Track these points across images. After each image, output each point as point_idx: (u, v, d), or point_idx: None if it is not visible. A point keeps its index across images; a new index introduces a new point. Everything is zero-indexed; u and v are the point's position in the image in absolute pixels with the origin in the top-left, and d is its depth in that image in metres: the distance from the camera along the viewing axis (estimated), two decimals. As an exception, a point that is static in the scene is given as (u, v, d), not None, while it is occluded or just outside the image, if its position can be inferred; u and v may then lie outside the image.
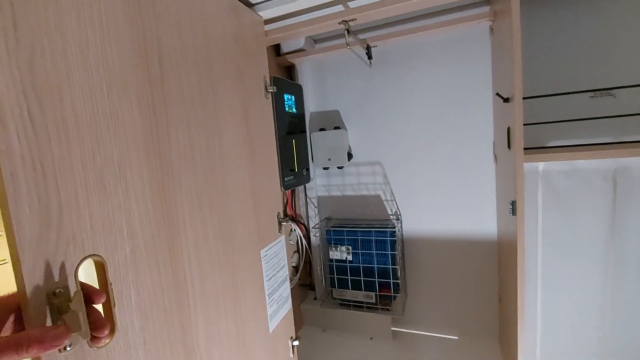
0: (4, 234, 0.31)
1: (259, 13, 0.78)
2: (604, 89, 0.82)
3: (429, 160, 1.05)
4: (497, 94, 0.80)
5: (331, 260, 1.12)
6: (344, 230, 1.08)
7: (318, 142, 1.11)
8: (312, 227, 1.19)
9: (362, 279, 1.08)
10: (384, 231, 1.04)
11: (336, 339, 1.13)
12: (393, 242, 1.03)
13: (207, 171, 0.58)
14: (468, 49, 0.95)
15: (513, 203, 0.71)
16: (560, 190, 0.87)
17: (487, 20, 0.87)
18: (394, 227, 1.05)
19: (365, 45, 0.99)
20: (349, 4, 0.77)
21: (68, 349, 0.33)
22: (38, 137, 0.33)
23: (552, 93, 0.86)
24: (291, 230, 1.16)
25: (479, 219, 1.01)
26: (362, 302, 1.10)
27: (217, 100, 0.62)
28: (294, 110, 0.99)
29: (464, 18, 0.88)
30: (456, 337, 1.08)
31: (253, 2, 0.76)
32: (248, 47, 0.73)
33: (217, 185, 0.60)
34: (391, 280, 1.04)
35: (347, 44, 0.90)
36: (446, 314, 1.10)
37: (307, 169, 1.07)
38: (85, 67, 0.38)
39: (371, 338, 1.11)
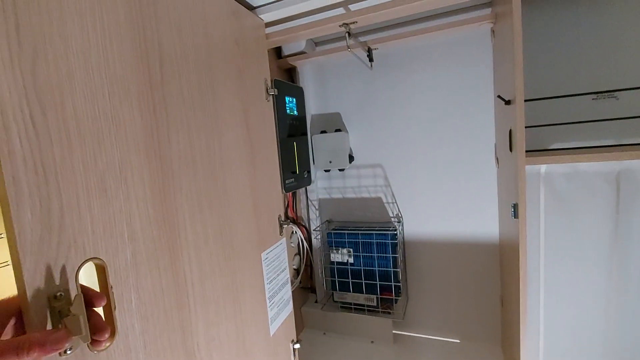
0: (5, 235, 0.31)
1: (260, 16, 0.78)
2: (606, 91, 0.82)
3: (430, 163, 1.05)
4: (499, 96, 0.80)
5: (332, 263, 1.12)
6: (345, 233, 1.08)
7: (319, 145, 1.11)
8: (313, 230, 1.19)
9: (363, 281, 1.08)
10: (385, 234, 1.03)
11: (337, 342, 1.13)
12: (394, 245, 1.03)
13: (208, 173, 0.58)
14: (469, 51, 0.95)
15: (515, 206, 0.71)
16: (563, 192, 0.87)
17: (489, 23, 0.87)
18: (395, 230, 1.05)
19: (366, 48, 0.99)
20: (350, 6, 0.77)
21: (69, 352, 0.33)
22: (40, 140, 0.33)
23: (554, 95, 0.86)
24: (292, 232, 1.16)
25: (480, 222, 1.01)
26: (363, 305, 1.10)
27: (218, 102, 0.62)
28: (295, 112, 0.99)
29: (465, 20, 0.89)
30: (458, 341, 1.08)
31: (254, 5, 0.76)
32: (249, 49, 0.73)
33: (217, 187, 0.60)
34: (392, 283, 1.04)
35: (348, 47, 0.91)
36: (448, 317, 1.09)
37: (308, 172, 1.07)
38: (86, 70, 0.38)
39: (372, 341, 1.10)
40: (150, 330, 0.44)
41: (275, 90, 0.83)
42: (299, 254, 1.20)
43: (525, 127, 0.67)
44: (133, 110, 0.44)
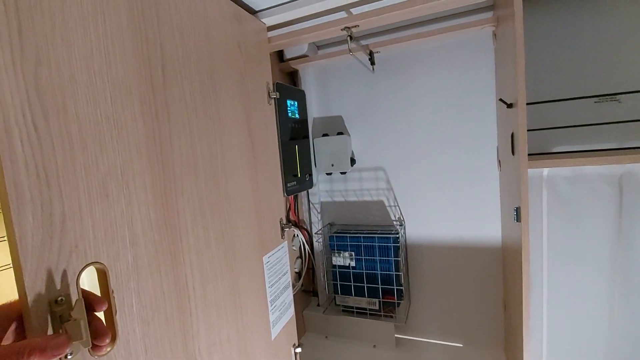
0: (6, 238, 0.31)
1: (262, 20, 0.78)
2: (609, 94, 0.81)
3: (432, 166, 1.04)
4: (501, 100, 0.80)
5: (334, 266, 1.11)
6: (347, 236, 1.08)
7: (321, 148, 1.11)
8: (315, 233, 1.19)
9: (365, 285, 1.07)
10: (387, 237, 1.03)
11: (339, 346, 1.12)
12: (396, 249, 1.03)
13: (209, 177, 0.58)
14: (471, 54, 0.95)
15: (517, 209, 0.70)
16: (565, 196, 0.86)
17: (490, 26, 0.87)
18: (397, 233, 1.04)
19: (368, 51, 0.99)
20: (352, 10, 0.77)
21: (69, 357, 0.33)
22: (42, 144, 0.33)
23: (557, 98, 0.85)
24: (294, 236, 1.16)
25: (482, 225, 1.00)
26: (365, 309, 1.09)
27: (220, 106, 0.62)
28: (297, 115, 0.99)
29: (467, 24, 0.89)
30: (461, 345, 1.07)
31: (256, 10, 0.76)
32: (251, 53, 0.74)
33: (219, 191, 0.60)
34: (394, 287, 1.03)
35: (350, 50, 0.91)
36: (450, 322, 1.08)
37: (310, 175, 1.07)
38: (88, 74, 0.38)
39: (374, 345, 1.10)
40: (151, 335, 0.44)
41: (277, 93, 0.83)
42: (300, 257, 1.19)
43: (528, 130, 0.67)
44: (135, 114, 0.44)
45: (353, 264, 1.09)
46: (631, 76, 0.80)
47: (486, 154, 0.97)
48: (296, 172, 0.96)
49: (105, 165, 0.39)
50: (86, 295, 0.35)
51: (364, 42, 1.01)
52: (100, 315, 0.37)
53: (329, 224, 1.20)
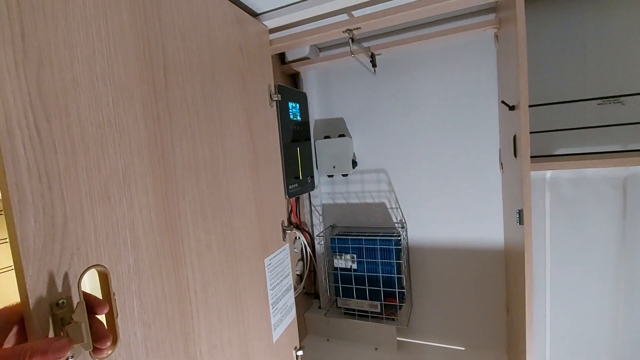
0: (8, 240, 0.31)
1: (263, 22, 0.79)
2: (612, 97, 0.81)
3: (434, 168, 1.04)
4: (503, 102, 0.80)
5: (336, 268, 1.11)
6: (348, 239, 1.08)
7: (323, 150, 1.11)
8: (317, 235, 1.19)
9: (367, 287, 1.07)
10: (389, 239, 1.03)
11: (340, 348, 1.12)
12: (398, 251, 1.02)
13: (211, 180, 0.58)
14: (473, 56, 0.95)
15: (520, 212, 0.70)
16: (569, 198, 0.86)
17: (492, 28, 0.87)
18: (399, 236, 1.04)
19: (370, 53, 1.00)
20: (353, 12, 0.77)
21: (70, 360, 0.32)
22: (44, 147, 0.33)
23: (559, 101, 0.85)
24: (295, 238, 1.15)
25: (485, 228, 1.00)
26: (367, 312, 1.09)
27: (221, 109, 0.62)
28: (299, 118, 0.99)
29: (468, 26, 0.88)
30: (463, 348, 1.06)
31: (258, 12, 0.76)
32: (253, 56, 0.74)
33: (220, 194, 0.60)
34: (396, 290, 1.03)
35: (352, 52, 0.91)
36: (452, 325, 1.08)
37: (312, 177, 1.07)
38: (91, 78, 0.38)
39: (376, 348, 1.09)
40: (153, 338, 0.44)
41: (279, 95, 0.83)
42: (302, 259, 1.19)
43: (530, 132, 0.66)
44: (137, 117, 0.44)
45: (355, 266, 1.08)
46: (634, 78, 0.79)
47: (488, 156, 0.97)
48: (298, 174, 0.96)
49: (107, 168, 0.39)
50: (87, 298, 0.35)
51: (365, 44, 1.01)
52: (102, 318, 0.37)
53: (330, 226, 1.20)
